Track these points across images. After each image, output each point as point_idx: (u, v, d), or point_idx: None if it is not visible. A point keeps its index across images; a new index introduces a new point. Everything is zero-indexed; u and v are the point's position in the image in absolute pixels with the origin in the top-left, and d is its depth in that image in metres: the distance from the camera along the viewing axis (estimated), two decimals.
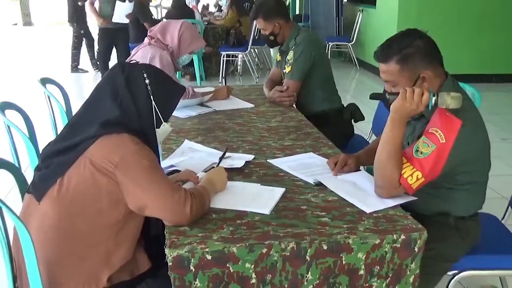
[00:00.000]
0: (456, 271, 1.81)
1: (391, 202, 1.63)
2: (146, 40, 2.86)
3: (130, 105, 1.51)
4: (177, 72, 5.17)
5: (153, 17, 7.47)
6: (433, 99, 1.59)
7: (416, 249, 1.47)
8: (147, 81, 1.55)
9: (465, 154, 1.65)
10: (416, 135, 1.75)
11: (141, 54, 2.76)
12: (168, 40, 2.81)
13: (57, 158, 1.49)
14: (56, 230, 1.46)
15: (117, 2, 6.17)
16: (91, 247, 1.49)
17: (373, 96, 1.80)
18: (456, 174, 1.71)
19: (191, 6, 8.18)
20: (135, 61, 1.66)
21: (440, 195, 1.77)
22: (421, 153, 1.61)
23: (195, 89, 2.93)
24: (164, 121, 1.61)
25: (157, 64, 2.61)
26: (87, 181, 1.44)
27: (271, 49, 8.53)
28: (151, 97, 1.55)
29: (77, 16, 7.80)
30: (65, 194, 1.45)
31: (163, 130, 1.64)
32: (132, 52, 2.96)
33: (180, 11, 6.74)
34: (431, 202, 1.78)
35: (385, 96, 1.73)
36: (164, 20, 5.60)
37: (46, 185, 1.47)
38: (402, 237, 1.45)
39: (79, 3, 7.65)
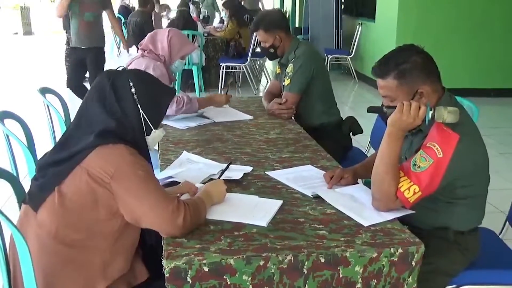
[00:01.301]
0: (454, 286, 1.80)
1: (388, 216, 1.63)
2: (139, 52, 2.87)
3: (120, 115, 1.51)
4: (177, 85, 5.18)
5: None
6: (430, 113, 1.60)
7: (413, 263, 1.47)
8: (133, 90, 1.53)
9: (463, 168, 1.65)
10: (414, 150, 1.75)
11: (134, 66, 2.78)
12: (159, 48, 2.83)
13: (53, 169, 1.48)
14: (53, 239, 1.46)
15: None
16: (88, 257, 1.48)
17: (371, 110, 1.81)
18: (454, 188, 1.71)
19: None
20: (122, 67, 1.65)
21: (439, 209, 1.77)
22: (419, 167, 1.62)
23: (190, 95, 2.91)
24: (154, 129, 1.60)
25: None
26: (84, 192, 1.43)
27: (270, 61, 8.57)
28: (138, 105, 1.53)
29: None
30: (62, 204, 1.44)
31: (155, 136, 1.62)
32: (126, 64, 2.97)
33: (183, 22, 6.73)
34: (430, 216, 1.78)
35: (382, 110, 1.74)
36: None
37: (43, 195, 1.47)
38: (400, 250, 1.45)
39: None
